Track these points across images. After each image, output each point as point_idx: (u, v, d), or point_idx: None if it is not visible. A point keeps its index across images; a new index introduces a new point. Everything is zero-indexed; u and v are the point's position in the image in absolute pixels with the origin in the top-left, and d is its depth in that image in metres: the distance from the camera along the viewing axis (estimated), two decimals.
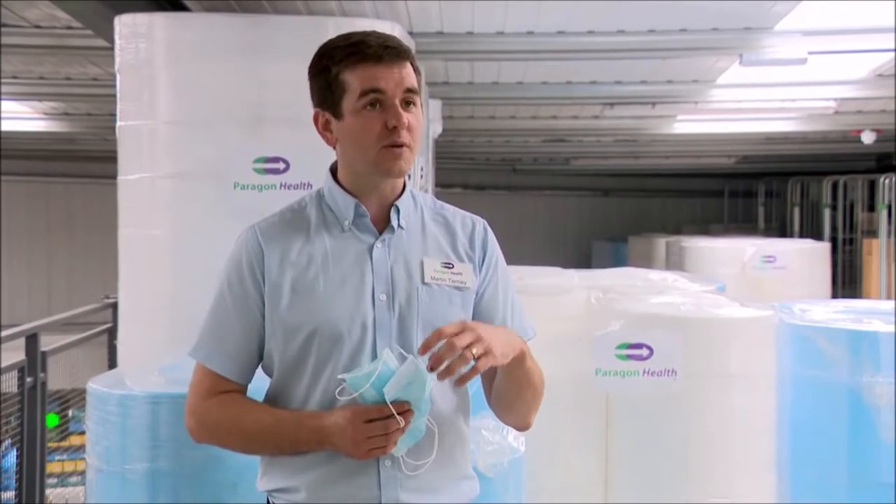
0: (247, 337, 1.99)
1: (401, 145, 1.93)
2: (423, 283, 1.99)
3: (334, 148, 2.03)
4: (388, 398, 1.80)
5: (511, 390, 2.03)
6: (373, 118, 1.92)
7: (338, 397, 1.86)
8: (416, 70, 1.98)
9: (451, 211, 2.12)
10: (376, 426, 1.82)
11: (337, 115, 1.96)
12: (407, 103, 1.94)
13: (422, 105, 2.01)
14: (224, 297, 2.01)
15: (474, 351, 1.79)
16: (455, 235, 2.07)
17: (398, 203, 2.02)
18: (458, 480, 2.04)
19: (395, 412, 1.80)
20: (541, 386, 2.06)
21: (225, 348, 2.00)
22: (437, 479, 1.99)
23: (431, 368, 1.79)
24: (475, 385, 2.00)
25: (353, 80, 1.93)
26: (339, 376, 1.86)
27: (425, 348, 1.83)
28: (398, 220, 2.02)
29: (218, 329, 2.01)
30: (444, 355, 1.78)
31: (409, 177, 2.06)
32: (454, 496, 2.02)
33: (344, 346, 1.92)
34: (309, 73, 2.01)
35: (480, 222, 2.13)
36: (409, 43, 3.62)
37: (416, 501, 1.96)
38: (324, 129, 2.01)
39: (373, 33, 1.96)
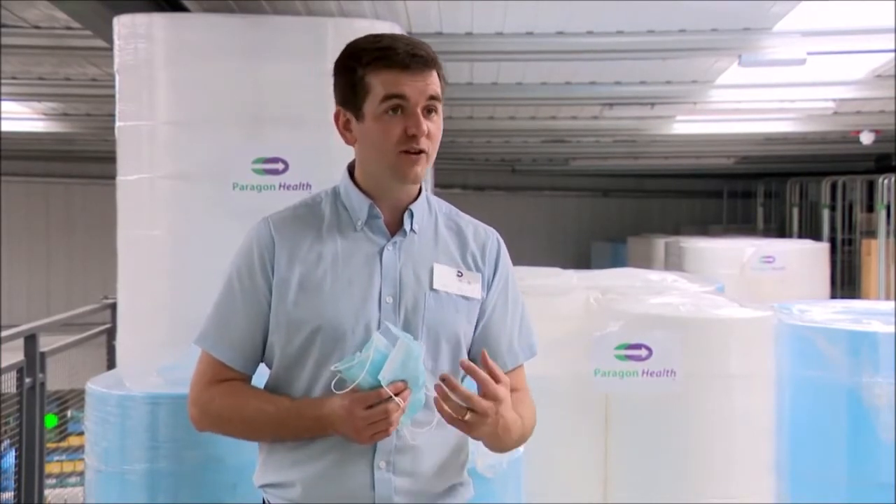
0: (253, 328, 2.00)
1: (419, 152, 1.93)
2: (432, 289, 1.99)
3: (353, 146, 2.03)
4: (384, 383, 1.81)
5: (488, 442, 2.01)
6: (393, 123, 1.93)
7: (334, 391, 1.86)
8: (441, 77, 1.98)
9: (466, 220, 2.12)
10: (377, 412, 1.82)
11: (358, 116, 1.97)
12: (429, 111, 1.95)
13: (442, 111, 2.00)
14: (232, 287, 2.01)
15: (468, 417, 1.82)
16: (466, 244, 2.07)
17: (412, 207, 2.03)
18: (452, 485, 2.04)
19: (392, 395, 1.81)
20: (526, 432, 2.04)
21: (230, 338, 2.01)
22: (431, 483, 2.00)
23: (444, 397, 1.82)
24: None
25: (378, 84, 1.93)
26: (333, 367, 1.86)
27: (469, 369, 1.86)
28: (411, 224, 2.02)
29: (224, 319, 2.02)
30: (456, 403, 1.82)
31: None
32: (448, 499, 2.03)
33: (346, 346, 1.92)
34: (334, 70, 2.01)
35: (494, 235, 2.13)
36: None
37: (410, 502, 1.96)
38: (344, 129, 2.01)
39: (402, 38, 1.97)
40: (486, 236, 2.11)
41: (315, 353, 1.95)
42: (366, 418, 1.83)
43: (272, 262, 1.98)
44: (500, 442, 1.95)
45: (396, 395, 1.81)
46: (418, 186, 2.04)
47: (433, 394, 1.87)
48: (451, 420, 1.83)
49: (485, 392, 1.85)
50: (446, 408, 1.82)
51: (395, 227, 2.02)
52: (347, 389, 1.84)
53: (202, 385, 2.02)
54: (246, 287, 2.00)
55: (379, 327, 1.93)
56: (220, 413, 2.00)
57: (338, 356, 1.91)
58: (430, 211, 2.08)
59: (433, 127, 1.95)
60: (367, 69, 1.93)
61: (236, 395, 2.00)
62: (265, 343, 2.01)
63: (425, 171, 1.99)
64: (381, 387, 1.81)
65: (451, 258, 2.04)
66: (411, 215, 2.02)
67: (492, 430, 1.87)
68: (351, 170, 2.06)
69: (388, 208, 2.02)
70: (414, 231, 2.02)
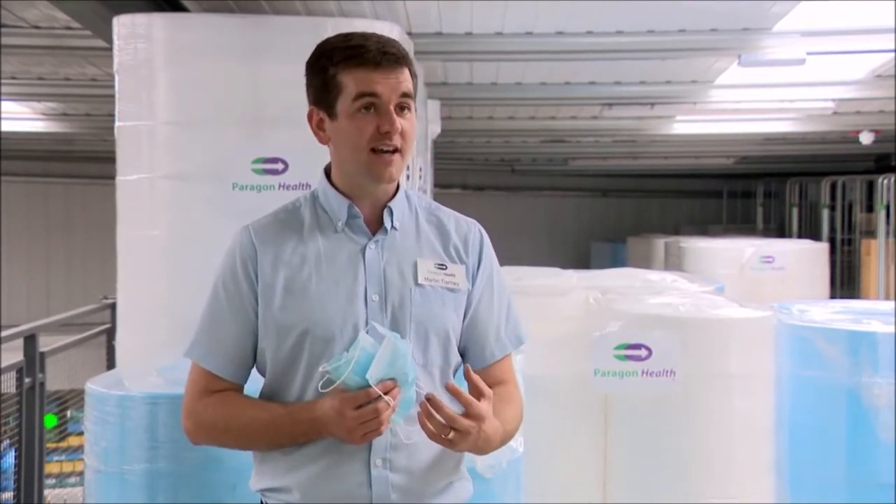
0: (241, 336, 2.00)
1: (392, 150, 1.94)
2: (416, 284, 2.00)
3: (327, 146, 2.04)
4: (372, 382, 1.81)
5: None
6: (366, 121, 1.93)
7: (321, 391, 1.87)
8: (413, 74, 1.99)
9: (446, 213, 2.13)
10: (366, 411, 1.83)
11: (331, 115, 1.98)
12: (401, 108, 1.95)
13: (416, 109, 2.01)
14: (218, 296, 2.02)
15: (451, 436, 1.83)
16: (448, 237, 2.08)
17: (391, 204, 2.03)
18: (450, 482, 2.05)
19: (381, 394, 1.81)
20: (507, 436, 2.05)
21: (219, 348, 2.01)
22: (429, 481, 2.00)
23: (428, 415, 1.83)
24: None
25: (350, 82, 1.94)
26: (321, 368, 1.87)
27: (454, 392, 1.87)
28: (391, 221, 2.03)
29: (212, 329, 2.02)
30: (440, 422, 1.83)
31: (408, 178, 2.07)
32: (446, 497, 2.03)
33: (336, 346, 1.93)
34: (306, 70, 2.02)
35: (475, 226, 2.13)
36: (407, 44, 3.63)
37: (407, 501, 1.97)
38: (317, 128, 2.02)
39: (373, 36, 1.97)
40: (467, 228, 2.12)
41: (305, 355, 1.95)
42: (356, 418, 1.83)
43: (255, 269, 1.99)
44: (480, 451, 1.97)
45: (385, 393, 1.81)
46: (395, 184, 2.05)
47: (424, 390, 1.89)
48: (434, 437, 1.85)
49: (468, 413, 1.86)
50: (429, 425, 1.83)
51: (376, 225, 2.03)
52: (334, 389, 1.84)
53: (195, 396, 2.03)
54: (232, 296, 2.00)
55: (367, 326, 1.94)
56: (215, 424, 2.00)
57: (328, 357, 1.91)
58: (410, 207, 2.08)
59: (406, 124, 1.96)
60: (338, 68, 1.94)
61: (229, 406, 2.00)
62: (255, 351, 2.02)
63: (401, 170, 2.00)
64: (369, 386, 1.81)
65: (434, 252, 2.05)
66: (391, 213, 2.03)
67: (472, 445, 1.90)
68: (328, 172, 2.06)
69: (368, 207, 2.03)
70: (395, 228, 2.03)
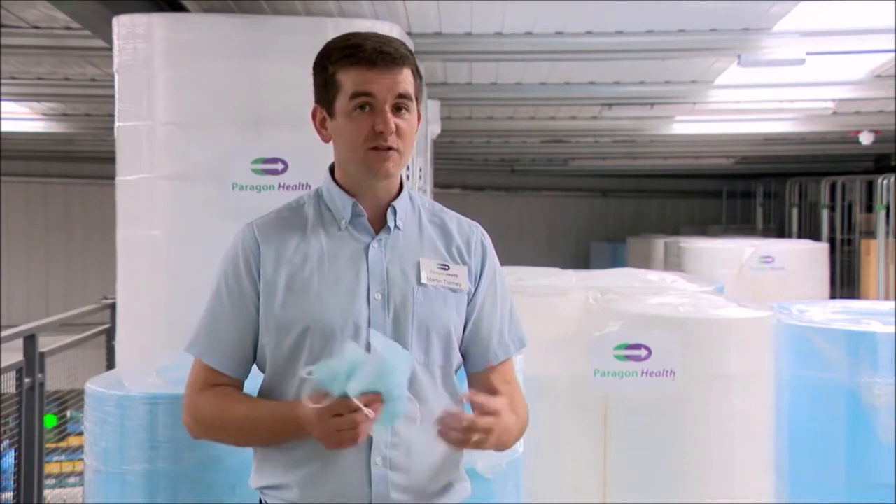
0: (242, 333, 2.01)
1: (387, 149, 1.94)
2: (419, 283, 2.01)
3: (329, 143, 2.05)
4: (352, 394, 1.79)
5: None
6: (361, 120, 1.95)
7: (302, 395, 1.87)
8: (416, 74, 1.99)
9: (449, 214, 2.14)
10: (343, 422, 1.81)
11: (331, 113, 2.00)
12: (398, 108, 1.96)
13: (418, 109, 2.02)
14: (220, 293, 2.03)
15: (475, 438, 1.87)
16: (451, 237, 2.09)
17: (395, 204, 2.04)
18: (449, 481, 2.05)
19: (361, 406, 1.79)
20: (522, 429, 2.10)
21: (220, 344, 2.02)
22: (428, 480, 2.00)
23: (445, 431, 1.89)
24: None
25: (346, 81, 1.95)
26: (306, 370, 1.86)
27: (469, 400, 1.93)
28: (395, 220, 2.03)
29: (214, 325, 2.03)
30: (461, 429, 1.87)
31: (408, 178, 2.07)
32: (445, 496, 2.03)
33: (336, 345, 1.93)
34: (312, 69, 2.04)
35: (478, 229, 2.14)
36: (408, 44, 3.62)
37: (407, 500, 1.97)
38: (320, 126, 2.04)
39: (373, 36, 1.98)
40: (470, 230, 2.13)
41: (305, 353, 1.96)
42: (333, 425, 1.82)
43: (258, 266, 2.00)
44: (503, 446, 2.01)
45: (367, 405, 1.79)
46: (398, 183, 2.06)
47: (417, 405, 1.91)
48: (461, 445, 1.90)
49: (484, 410, 1.90)
50: (452, 438, 1.88)
51: (379, 224, 2.04)
52: (315, 395, 1.83)
53: (194, 391, 2.04)
54: (233, 292, 2.01)
55: (369, 325, 1.95)
56: (212, 421, 2.02)
57: (327, 356, 1.91)
58: (413, 207, 2.09)
59: (404, 124, 1.96)
60: (336, 67, 1.96)
61: (224, 402, 2.01)
62: (256, 347, 2.02)
63: (399, 168, 2.01)
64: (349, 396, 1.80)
65: (436, 252, 2.06)
66: (394, 212, 2.03)
67: (496, 441, 1.93)
68: (332, 170, 2.07)
69: (371, 206, 2.04)
70: (398, 227, 2.04)
